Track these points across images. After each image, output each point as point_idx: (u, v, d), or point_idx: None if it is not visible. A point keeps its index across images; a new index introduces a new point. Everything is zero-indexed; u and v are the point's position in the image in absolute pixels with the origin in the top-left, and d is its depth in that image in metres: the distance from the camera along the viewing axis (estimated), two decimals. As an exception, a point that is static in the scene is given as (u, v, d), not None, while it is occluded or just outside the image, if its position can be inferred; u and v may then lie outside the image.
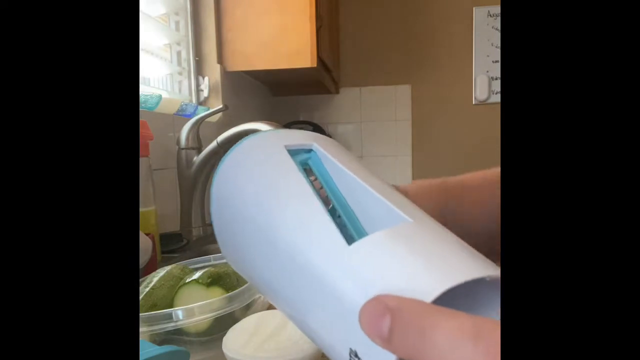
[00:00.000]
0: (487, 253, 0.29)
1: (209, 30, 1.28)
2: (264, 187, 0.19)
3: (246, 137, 0.22)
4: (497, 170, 0.35)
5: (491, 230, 0.33)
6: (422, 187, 0.32)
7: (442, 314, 0.14)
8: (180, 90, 1.24)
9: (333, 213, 0.18)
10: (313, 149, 0.21)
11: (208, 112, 0.98)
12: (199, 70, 1.29)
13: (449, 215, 0.31)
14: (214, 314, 0.36)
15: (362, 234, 0.17)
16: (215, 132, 1.06)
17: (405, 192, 0.31)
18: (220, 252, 0.57)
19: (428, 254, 0.15)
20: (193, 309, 0.36)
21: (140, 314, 0.35)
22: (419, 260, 0.15)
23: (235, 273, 0.44)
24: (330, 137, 1.73)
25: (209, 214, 0.38)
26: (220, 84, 1.30)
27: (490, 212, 0.34)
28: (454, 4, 1.95)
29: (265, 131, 0.22)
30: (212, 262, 0.56)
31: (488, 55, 1.94)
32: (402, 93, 2.01)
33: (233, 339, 0.36)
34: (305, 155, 0.21)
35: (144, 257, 0.60)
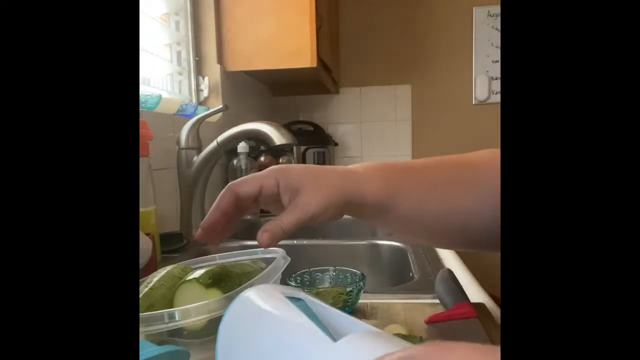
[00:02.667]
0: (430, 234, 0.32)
1: (209, 30, 1.28)
2: (275, 325, 0.27)
3: (243, 292, 0.31)
4: (441, 158, 0.42)
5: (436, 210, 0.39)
6: (370, 167, 0.39)
7: None
8: (180, 90, 1.24)
9: (323, 329, 0.27)
10: (302, 297, 0.30)
11: (208, 112, 0.98)
12: (199, 70, 1.29)
13: (394, 194, 0.38)
14: (212, 315, 0.36)
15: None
16: (215, 132, 1.06)
17: (356, 170, 0.39)
18: (222, 252, 0.57)
19: (379, 346, 0.22)
20: (189, 310, 0.36)
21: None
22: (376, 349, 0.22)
23: (238, 274, 0.44)
24: (331, 137, 1.72)
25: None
26: (220, 84, 1.30)
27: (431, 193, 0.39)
28: (454, 4, 1.95)
29: (260, 287, 0.31)
30: (217, 262, 0.56)
31: (488, 55, 1.94)
32: (402, 93, 2.01)
33: (233, 339, 0.36)
34: (298, 302, 0.29)
35: (144, 257, 0.60)
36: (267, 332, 0.26)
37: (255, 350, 0.26)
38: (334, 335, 0.25)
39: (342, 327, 0.28)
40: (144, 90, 0.99)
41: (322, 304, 0.30)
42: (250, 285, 0.39)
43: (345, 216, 0.39)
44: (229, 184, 0.38)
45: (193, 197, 0.98)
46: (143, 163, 0.70)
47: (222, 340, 0.29)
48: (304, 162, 1.64)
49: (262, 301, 0.29)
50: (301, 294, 0.30)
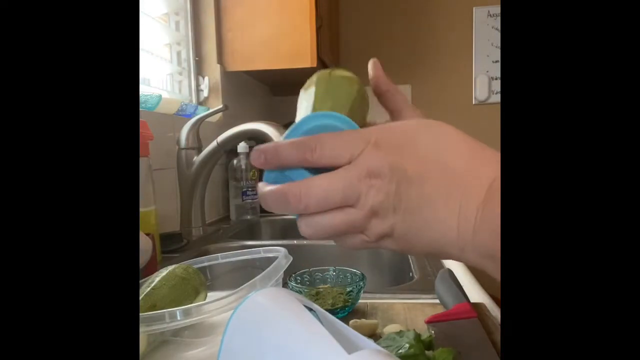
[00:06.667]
0: None
1: (209, 30, 1.28)
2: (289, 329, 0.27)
3: (253, 293, 0.30)
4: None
5: None
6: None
7: None
8: (180, 90, 1.24)
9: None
10: (313, 308, 0.30)
11: (208, 112, 0.98)
12: (199, 70, 1.29)
13: None
14: (212, 314, 0.36)
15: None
16: (215, 132, 1.06)
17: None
18: (222, 252, 0.57)
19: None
20: (190, 309, 0.36)
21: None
22: None
23: None
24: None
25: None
26: (220, 84, 1.30)
27: None
28: (454, 4, 1.95)
29: (270, 289, 0.31)
30: (219, 261, 0.56)
31: (488, 55, 1.94)
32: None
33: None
34: (310, 312, 0.30)
35: (144, 257, 0.60)
36: (281, 336, 0.27)
37: (265, 352, 0.26)
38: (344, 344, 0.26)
39: (350, 342, 0.28)
40: (144, 90, 0.99)
41: (331, 317, 0.30)
42: (253, 285, 0.39)
43: None
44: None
45: (193, 197, 0.98)
46: (143, 163, 0.70)
47: (227, 340, 0.29)
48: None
49: (274, 304, 0.29)
50: (313, 305, 0.30)
